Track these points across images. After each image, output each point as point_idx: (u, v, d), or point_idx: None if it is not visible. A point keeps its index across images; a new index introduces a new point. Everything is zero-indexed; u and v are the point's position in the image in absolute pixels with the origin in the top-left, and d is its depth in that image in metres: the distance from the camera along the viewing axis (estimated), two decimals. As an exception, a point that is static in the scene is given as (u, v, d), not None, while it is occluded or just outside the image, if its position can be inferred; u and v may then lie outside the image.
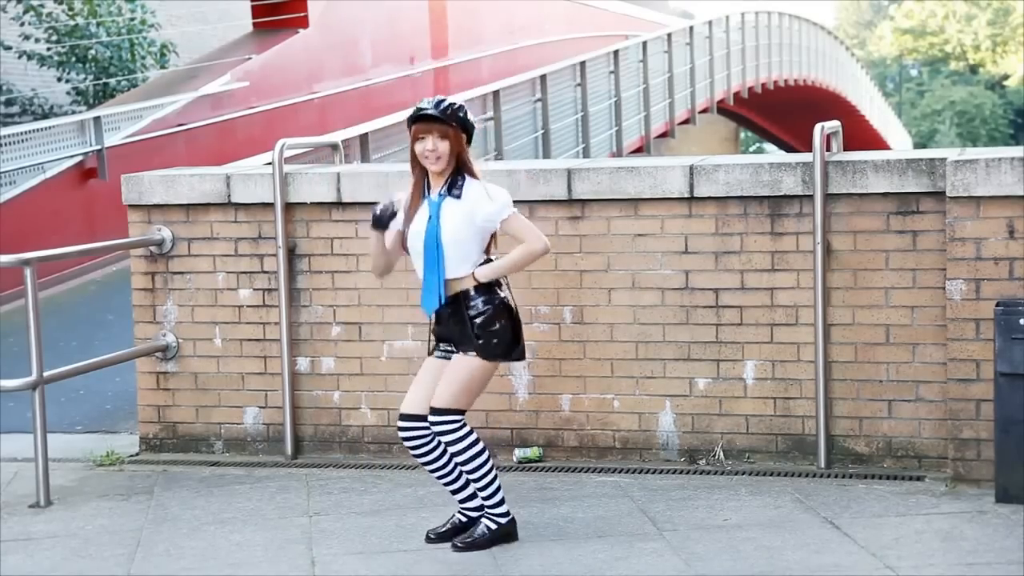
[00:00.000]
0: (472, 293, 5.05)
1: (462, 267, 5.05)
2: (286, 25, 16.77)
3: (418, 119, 5.04)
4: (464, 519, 5.22)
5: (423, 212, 5.08)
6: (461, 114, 5.06)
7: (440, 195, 5.06)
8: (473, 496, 5.19)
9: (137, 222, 6.87)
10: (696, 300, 6.18)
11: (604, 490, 5.88)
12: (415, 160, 5.10)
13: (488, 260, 5.11)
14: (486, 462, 5.10)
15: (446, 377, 5.07)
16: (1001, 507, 5.42)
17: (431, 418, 5.07)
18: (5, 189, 12.43)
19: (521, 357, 5.21)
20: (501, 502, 5.17)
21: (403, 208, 5.16)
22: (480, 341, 5.03)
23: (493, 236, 5.15)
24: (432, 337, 5.21)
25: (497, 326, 5.05)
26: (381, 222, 5.15)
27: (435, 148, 5.02)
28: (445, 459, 5.15)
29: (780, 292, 6.10)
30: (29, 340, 5.95)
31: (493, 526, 5.16)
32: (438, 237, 5.03)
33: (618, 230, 6.24)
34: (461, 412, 5.07)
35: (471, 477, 5.11)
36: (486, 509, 5.17)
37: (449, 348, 5.14)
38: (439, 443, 5.13)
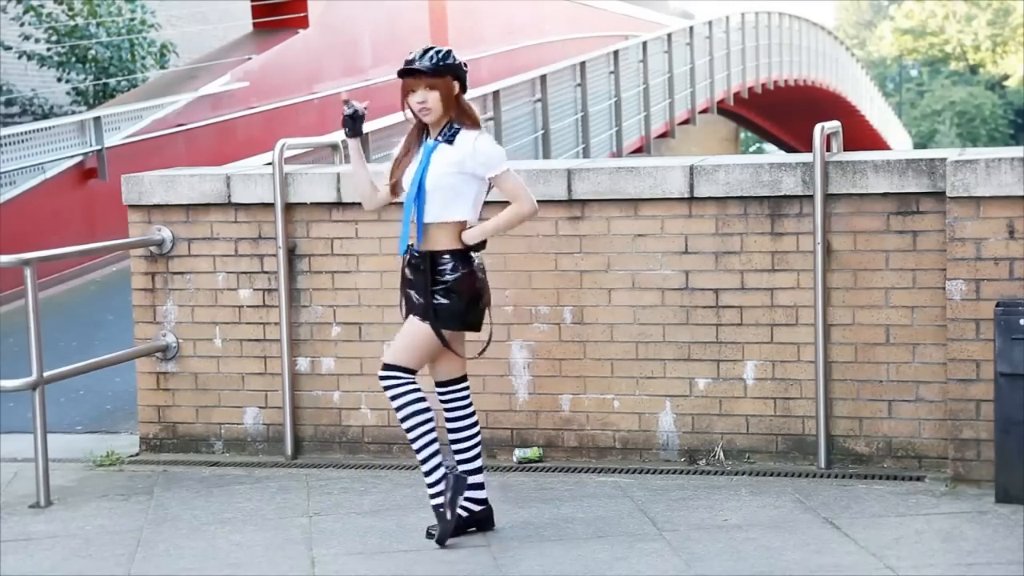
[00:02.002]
0: (446, 256, 5.05)
1: (443, 213, 5.05)
2: (286, 25, 16.78)
3: (406, 72, 5.06)
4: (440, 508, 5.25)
5: (419, 156, 5.11)
6: (448, 61, 5.05)
7: (436, 140, 5.09)
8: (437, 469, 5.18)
9: (137, 222, 6.87)
10: (696, 300, 6.18)
11: (604, 490, 5.88)
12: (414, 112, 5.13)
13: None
14: (425, 433, 5.08)
15: (399, 334, 5.14)
16: (1001, 507, 5.42)
17: (380, 372, 5.13)
18: (5, 189, 12.43)
19: (472, 328, 5.18)
20: (435, 483, 5.13)
21: (397, 155, 5.20)
22: (433, 306, 5.03)
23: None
24: (402, 298, 5.20)
25: (454, 299, 5.05)
26: (355, 127, 5.19)
27: (424, 100, 5.04)
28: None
29: (780, 292, 6.10)
30: (29, 340, 5.95)
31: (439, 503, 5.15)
32: (423, 179, 5.05)
33: (618, 230, 6.24)
34: (409, 371, 5.10)
35: (413, 446, 5.13)
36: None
37: (405, 297, 5.17)
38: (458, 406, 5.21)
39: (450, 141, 5.07)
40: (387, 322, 6.53)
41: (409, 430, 5.13)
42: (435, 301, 5.05)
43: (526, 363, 6.36)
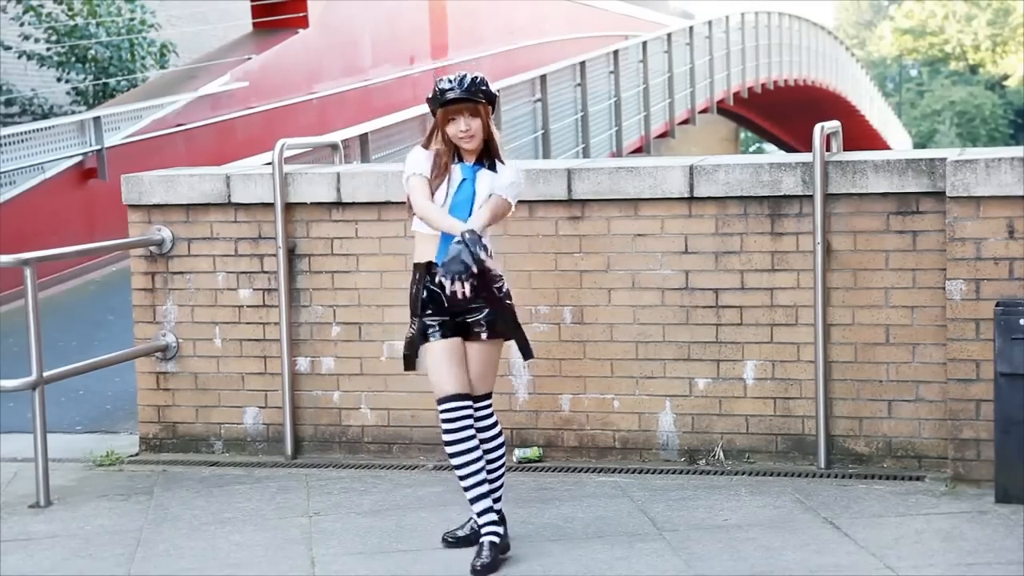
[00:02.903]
0: (493, 271, 4.99)
1: (484, 232, 5.01)
2: (286, 25, 16.77)
3: (451, 101, 5.00)
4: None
5: (455, 175, 5.03)
6: (484, 87, 5.05)
7: (477, 165, 5.05)
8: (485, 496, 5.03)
9: (137, 222, 6.87)
10: (696, 300, 6.18)
11: (604, 490, 5.88)
12: (432, 135, 5.06)
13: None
14: (476, 461, 5.01)
15: (487, 365, 5.03)
16: (1001, 507, 5.42)
17: (481, 403, 5.03)
18: (5, 189, 12.43)
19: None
20: (484, 512, 5.00)
21: (427, 173, 5.09)
22: (502, 313, 5.01)
23: None
24: (423, 320, 5.01)
25: (509, 304, 5.07)
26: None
27: (468, 128, 4.99)
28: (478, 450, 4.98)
29: (780, 292, 6.10)
30: (29, 340, 5.95)
31: (496, 540, 4.99)
32: (474, 198, 5.01)
33: (618, 230, 6.24)
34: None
35: (493, 466, 5.04)
36: (483, 519, 4.99)
37: (441, 319, 4.99)
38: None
39: (492, 167, 5.05)
40: (387, 322, 6.53)
41: (462, 462, 4.95)
42: (505, 305, 5.03)
43: (526, 363, 6.36)
